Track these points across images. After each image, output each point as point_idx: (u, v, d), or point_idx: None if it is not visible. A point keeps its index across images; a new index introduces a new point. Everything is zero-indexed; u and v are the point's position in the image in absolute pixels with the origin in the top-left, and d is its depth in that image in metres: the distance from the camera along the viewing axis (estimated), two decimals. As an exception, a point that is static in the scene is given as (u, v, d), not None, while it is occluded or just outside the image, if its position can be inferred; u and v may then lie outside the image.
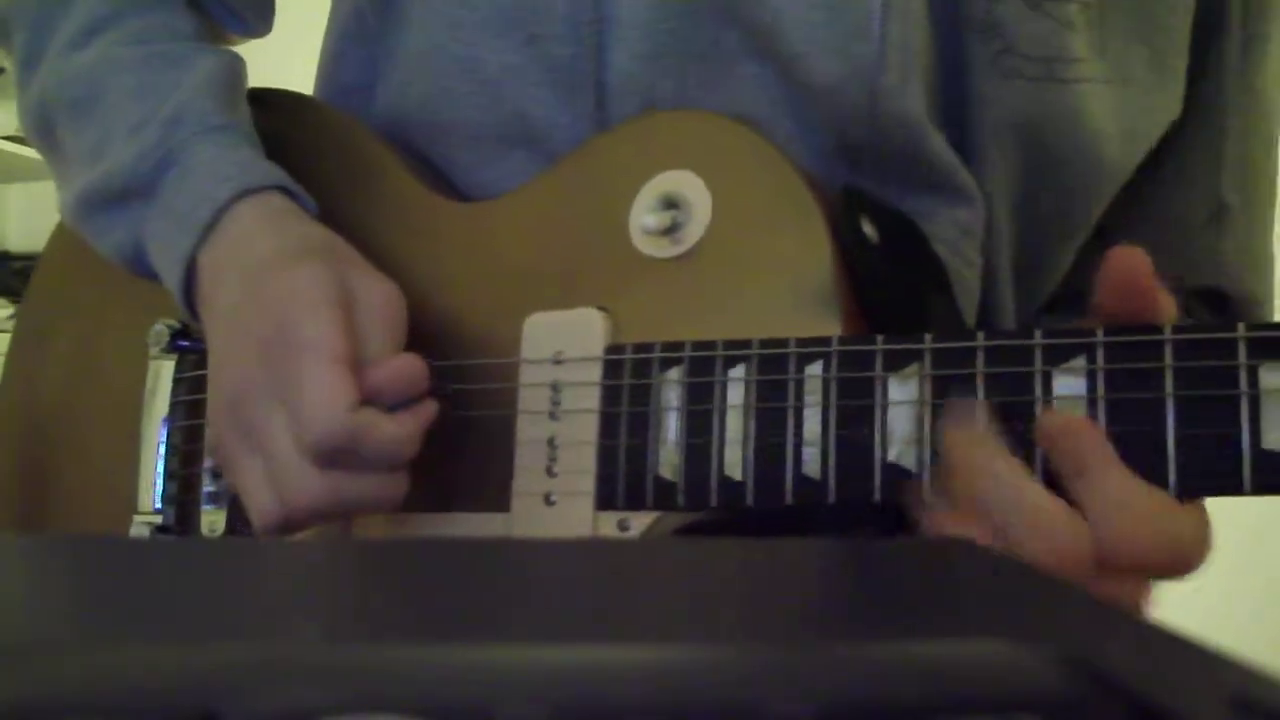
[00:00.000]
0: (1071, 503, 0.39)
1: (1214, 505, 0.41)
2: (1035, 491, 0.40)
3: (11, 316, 2.46)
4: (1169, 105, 0.56)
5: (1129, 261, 0.41)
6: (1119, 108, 0.53)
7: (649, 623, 0.18)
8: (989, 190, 0.53)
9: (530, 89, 0.54)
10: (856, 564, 0.25)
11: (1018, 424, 0.41)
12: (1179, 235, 0.59)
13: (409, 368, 0.47)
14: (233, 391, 0.48)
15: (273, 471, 0.47)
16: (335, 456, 0.45)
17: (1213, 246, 0.60)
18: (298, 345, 0.46)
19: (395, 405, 0.47)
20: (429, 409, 0.48)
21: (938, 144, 0.51)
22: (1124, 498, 0.38)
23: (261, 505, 0.48)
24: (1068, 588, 0.20)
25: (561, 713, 0.13)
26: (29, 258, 2.61)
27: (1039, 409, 0.41)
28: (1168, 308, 0.41)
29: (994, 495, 0.40)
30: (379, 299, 0.49)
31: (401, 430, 0.46)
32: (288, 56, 0.92)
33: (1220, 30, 0.58)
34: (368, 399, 0.46)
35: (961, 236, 0.53)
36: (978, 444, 0.41)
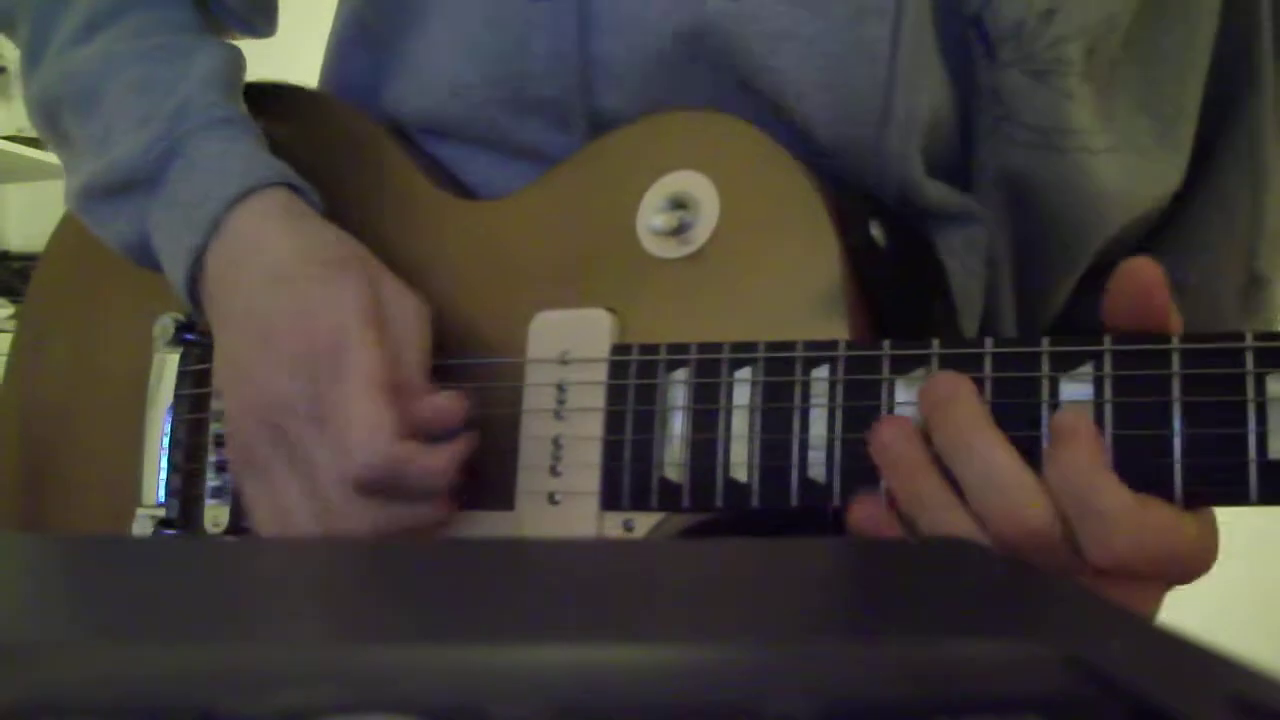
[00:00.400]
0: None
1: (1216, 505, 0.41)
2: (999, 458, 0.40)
3: (12, 316, 2.47)
4: (1171, 175, 0.56)
5: (1143, 274, 0.40)
6: (1122, 173, 0.53)
7: (648, 622, 0.18)
8: (990, 227, 0.53)
9: (521, 118, 0.54)
10: (857, 564, 0.25)
11: (1022, 430, 0.41)
12: (1203, 306, 0.57)
13: (452, 404, 0.49)
14: (268, 403, 0.49)
15: (316, 497, 0.48)
16: (378, 486, 0.47)
17: (1237, 320, 0.58)
18: (341, 369, 0.47)
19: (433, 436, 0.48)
20: (469, 441, 0.49)
21: (938, 191, 0.51)
22: (1116, 512, 0.38)
23: (299, 525, 0.48)
24: (1068, 588, 0.20)
25: (559, 713, 0.13)
26: (29, 258, 2.62)
27: (1045, 414, 0.41)
28: (1178, 326, 0.40)
29: (959, 470, 0.40)
30: (409, 314, 0.50)
31: (440, 463, 0.48)
32: (295, 53, 0.92)
33: (1244, 97, 0.56)
34: (410, 431, 0.47)
35: (966, 246, 0.52)
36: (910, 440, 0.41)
